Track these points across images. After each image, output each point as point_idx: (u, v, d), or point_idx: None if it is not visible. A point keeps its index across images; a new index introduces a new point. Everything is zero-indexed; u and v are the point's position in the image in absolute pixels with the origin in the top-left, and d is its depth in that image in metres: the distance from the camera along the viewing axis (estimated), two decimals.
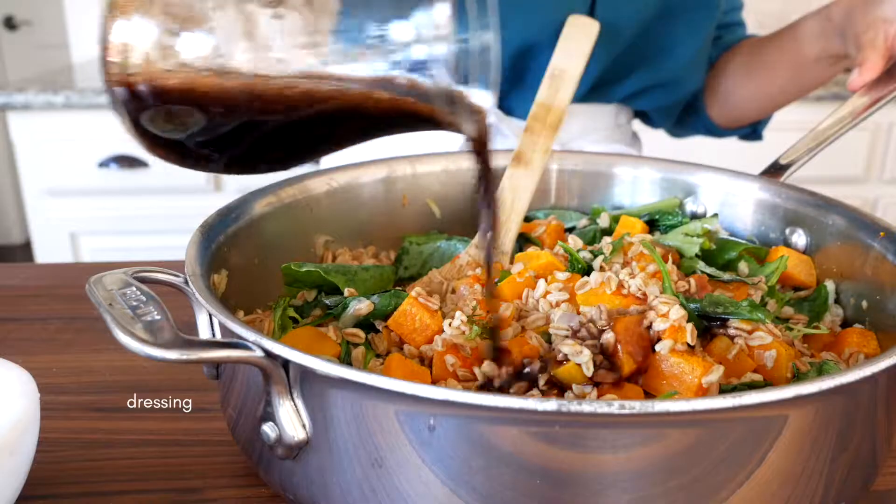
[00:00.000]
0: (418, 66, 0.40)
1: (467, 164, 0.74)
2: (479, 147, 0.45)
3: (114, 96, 0.42)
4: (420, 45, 0.40)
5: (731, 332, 0.51)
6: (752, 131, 1.10)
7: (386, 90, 0.41)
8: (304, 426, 0.40)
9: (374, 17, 0.40)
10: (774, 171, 0.68)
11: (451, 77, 0.40)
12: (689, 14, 0.96)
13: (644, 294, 0.52)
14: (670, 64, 0.98)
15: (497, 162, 0.73)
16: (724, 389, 0.46)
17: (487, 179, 0.46)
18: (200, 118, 0.42)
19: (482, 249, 0.48)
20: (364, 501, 0.40)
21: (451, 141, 0.95)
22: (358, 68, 0.41)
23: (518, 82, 0.94)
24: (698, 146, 1.29)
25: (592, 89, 0.96)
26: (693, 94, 1.04)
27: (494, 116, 0.94)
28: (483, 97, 0.43)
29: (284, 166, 0.47)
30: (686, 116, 1.10)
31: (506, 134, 0.94)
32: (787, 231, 0.64)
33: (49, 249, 2.05)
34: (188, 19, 0.40)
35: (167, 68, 0.40)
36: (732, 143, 1.17)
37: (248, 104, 0.41)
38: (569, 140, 0.99)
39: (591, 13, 0.88)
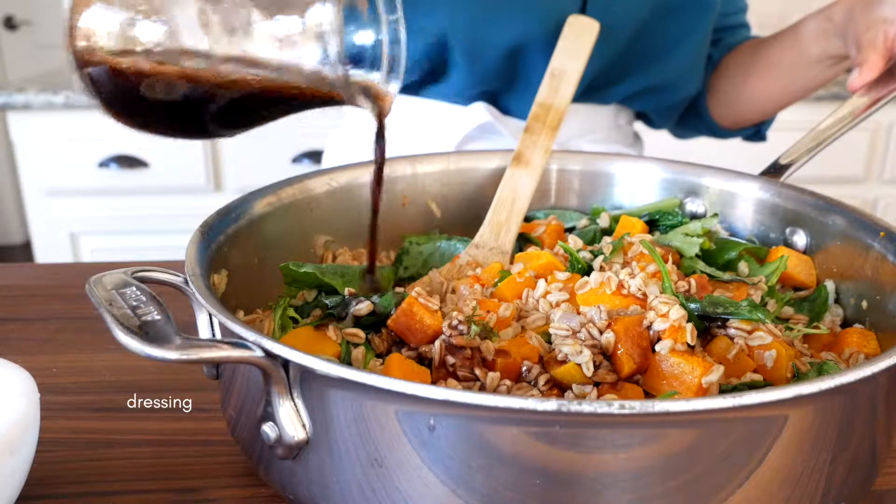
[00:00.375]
0: (324, 58, 0.48)
1: (466, 165, 0.74)
2: (380, 123, 0.56)
3: (80, 74, 0.50)
4: (318, 38, 0.47)
5: (731, 332, 0.51)
6: (755, 132, 1.10)
7: (301, 78, 0.49)
8: (304, 426, 0.40)
9: (281, 14, 0.48)
10: (774, 171, 0.68)
11: (348, 67, 0.48)
12: (684, 16, 0.96)
13: (644, 294, 0.52)
14: (667, 66, 0.98)
15: (497, 162, 0.74)
16: (724, 389, 0.46)
17: (381, 143, 0.57)
18: (160, 92, 0.49)
19: (372, 200, 0.61)
20: (364, 501, 0.40)
21: (446, 143, 0.95)
22: (272, 58, 0.48)
23: (511, 82, 0.94)
24: (698, 146, 1.29)
25: (589, 90, 0.96)
26: (693, 96, 1.04)
27: (492, 116, 0.94)
28: (390, 83, 0.52)
29: (231, 133, 0.56)
30: (689, 118, 1.10)
31: (503, 133, 0.94)
32: (787, 231, 0.64)
33: (49, 249, 2.05)
34: (135, 10, 0.48)
35: (118, 51, 0.48)
36: (732, 142, 1.17)
37: (191, 85, 0.49)
38: (567, 140, 0.99)
39: (583, 13, 0.88)
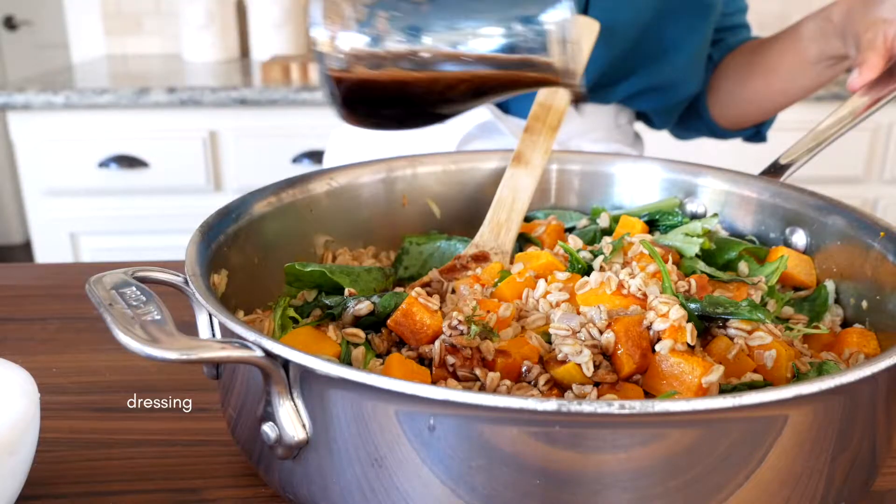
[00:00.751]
0: (554, 51, 0.55)
1: (466, 165, 0.74)
2: (576, 96, 0.63)
3: (325, 80, 0.57)
4: (556, 34, 0.55)
5: (731, 332, 0.51)
6: (755, 133, 1.10)
7: (534, 70, 0.56)
8: (304, 426, 0.40)
9: (523, 12, 0.55)
10: (774, 171, 0.68)
11: (560, 53, 0.55)
12: (686, 17, 0.96)
13: (644, 294, 0.52)
14: (668, 67, 0.98)
15: (497, 162, 0.74)
16: (724, 389, 0.46)
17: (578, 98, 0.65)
18: (395, 98, 0.57)
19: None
20: (364, 501, 0.40)
21: (447, 142, 0.95)
22: (512, 56, 0.56)
23: None
24: (698, 146, 1.29)
25: (590, 90, 0.96)
26: (693, 96, 1.04)
27: (492, 115, 0.94)
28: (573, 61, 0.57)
29: (443, 121, 0.64)
30: (689, 118, 1.10)
31: (503, 132, 0.94)
32: (787, 231, 0.64)
33: (49, 249, 2.05)
34: (379, 23, 0.55)
35: (364, 61, 0.55)
36: (732, 142, 1.17)
37: (426, 88, 0.57)
38: (567, 139, 0.99)
39: (585, 14, 0.88)
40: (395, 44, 0.55)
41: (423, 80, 0.56)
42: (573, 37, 0.55)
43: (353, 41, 0.55)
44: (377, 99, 0.58)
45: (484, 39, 0.56)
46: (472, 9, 0.56)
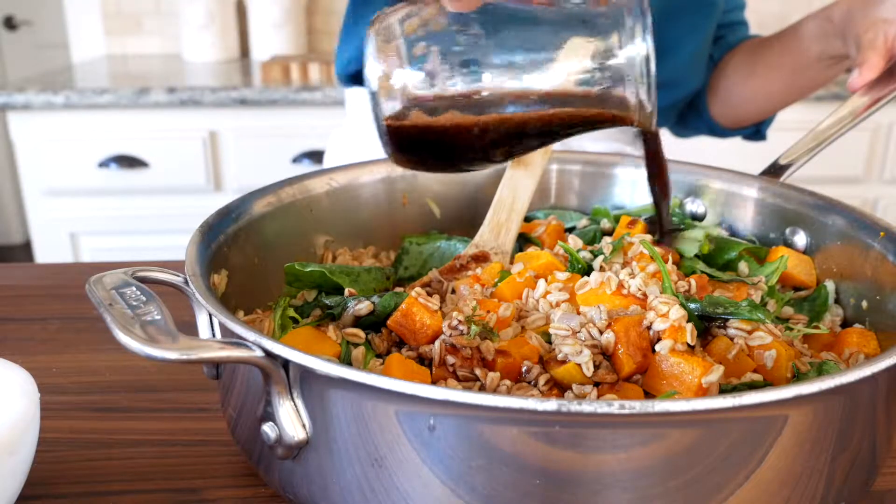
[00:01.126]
0: (620, 83, 0.51)
1: None
2: (650, 136, 0.58)
3: (381, 128, 0.54)
4: (636, 69, 0.51)
5: (731, 332, 0.51)
6: (755, 131, 1.10)
7: (613, 106, 0.52)
8: (304, 426, 0.40)
9: (602, 47, 0.51)
10: (774, 171, 0.68)
11: (641, 89, 0.52)
12: (688, 16, 0.96)
13: (644, 294, 0.52)
14: (669, 65, 0.98)
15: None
16: (724, 389, 0.46)
17: (659, 160, 0.60)
18: (452, 143, 0.54)
19: (656, 225, 0.63)
20: (364, 501, 0.40)
21: None
22: (586, 92, 0.52)
23: None
24: (698, 146, 1.29)
25: None
26: (694, 93, 1.04)
27: None
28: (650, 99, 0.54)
29: (502, 162, 0.61)
30: (688, 116, 1.10)
31: None
32: (787, 231, 0.64)
33: (49, 249, 2.05)
34: (440, 70, 0.51)
35: (426, 109, 0.52)
36: (732, 142, 1.17)
37: (481, 133, 0.53)
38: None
39: None
40: (453, 84, 0.51)
41: (486, 122, 0.52)
42: (652, 72, 0.51)
43: (409, 79, 0.51)
44: (433, 145, 0.54)
45: (554, 75, 0.51)
46: (536, 39, 0.51)
